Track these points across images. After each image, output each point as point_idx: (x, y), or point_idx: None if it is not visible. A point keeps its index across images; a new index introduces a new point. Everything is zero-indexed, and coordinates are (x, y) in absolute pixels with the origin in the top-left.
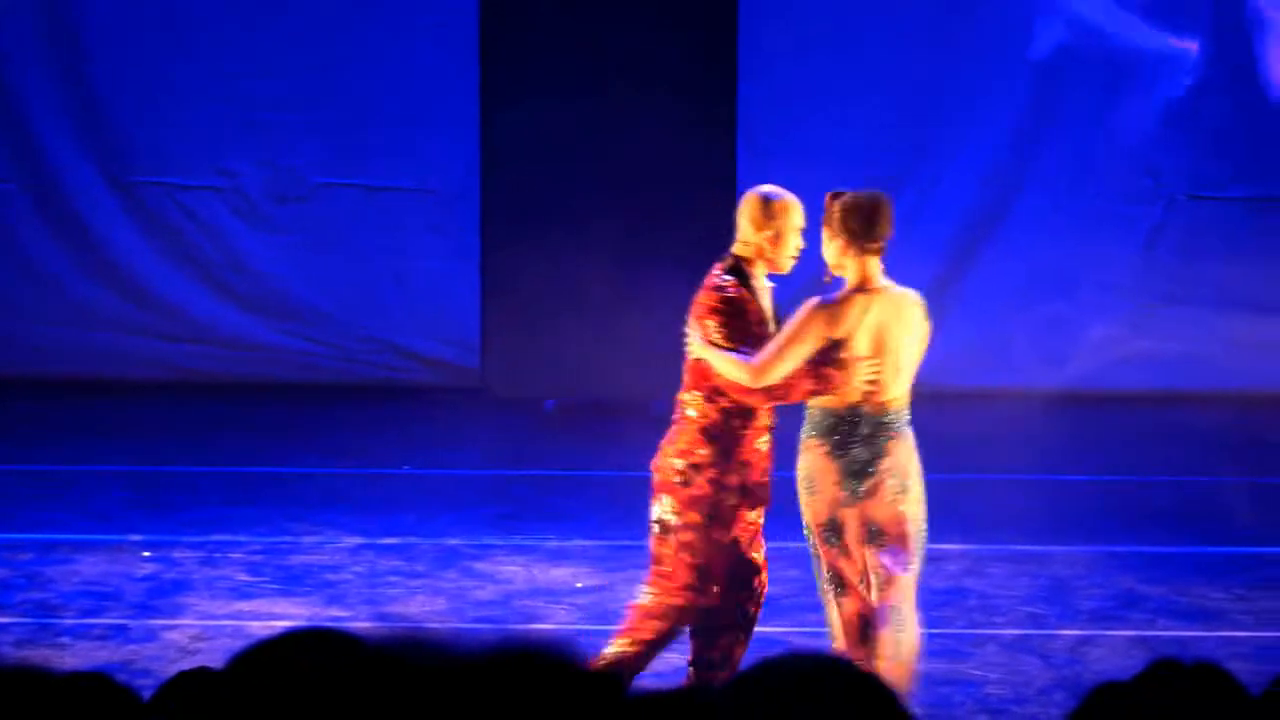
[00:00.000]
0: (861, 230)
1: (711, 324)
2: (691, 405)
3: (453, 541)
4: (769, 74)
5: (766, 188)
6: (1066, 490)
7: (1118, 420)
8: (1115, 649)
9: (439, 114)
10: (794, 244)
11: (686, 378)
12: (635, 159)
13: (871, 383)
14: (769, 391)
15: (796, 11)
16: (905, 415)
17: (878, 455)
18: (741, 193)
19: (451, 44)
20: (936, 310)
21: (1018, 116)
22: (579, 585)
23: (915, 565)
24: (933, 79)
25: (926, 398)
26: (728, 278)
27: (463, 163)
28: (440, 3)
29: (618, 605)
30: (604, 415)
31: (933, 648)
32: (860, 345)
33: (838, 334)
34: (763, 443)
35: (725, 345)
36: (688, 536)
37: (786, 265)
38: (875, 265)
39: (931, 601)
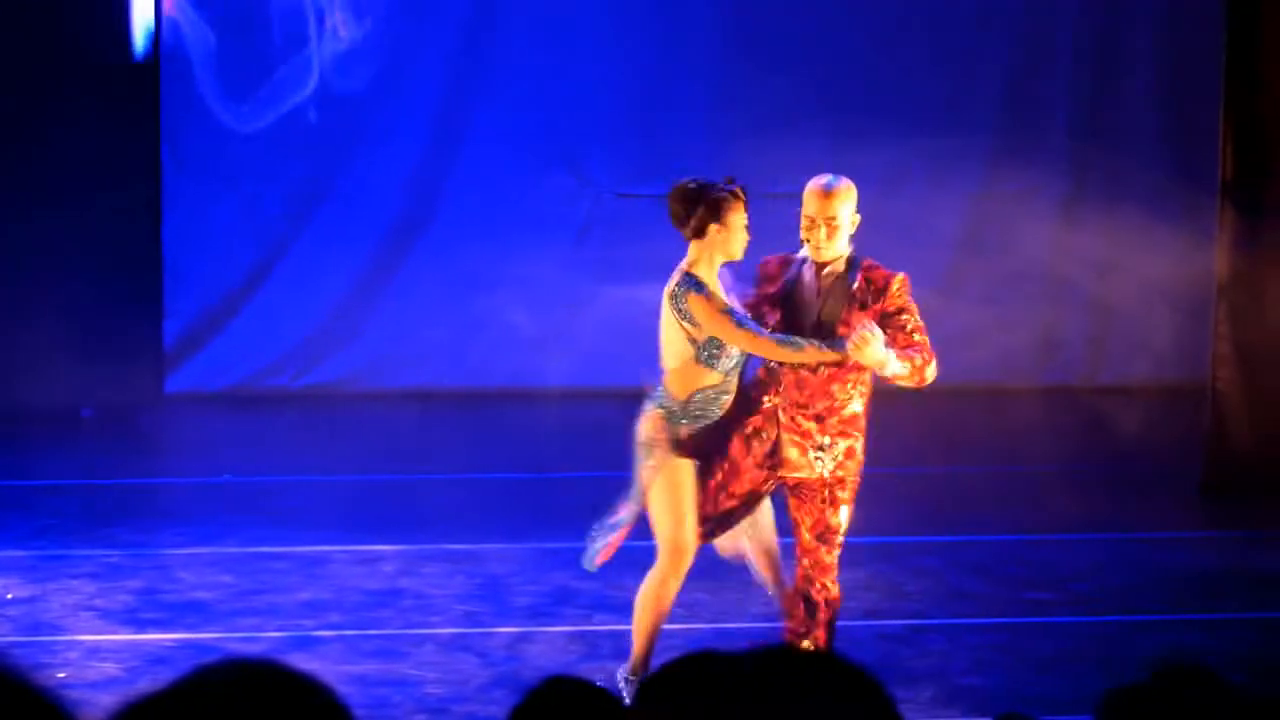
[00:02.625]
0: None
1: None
2: (856, 398)
3: None
4: (195, 87)
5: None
6: (498, 489)
7: (541, 417)
8: (552, 644)
9: None
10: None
11: (851, 375)
12: (53, 168)
13: None
14: None
15: (221, 19)
16: None
17: None
18: (167, 205)
19: None
20: (360, 315)
21: (432, 125)
22: (10, 597)
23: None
24: (357, 90)
25: (349, 399)
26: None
27: None
28: None
29: (50, 616)
30: (24, 424)
31: (369, 649)
32: None
33: None
34: None
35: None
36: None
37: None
38: None
39: (367, 602)
